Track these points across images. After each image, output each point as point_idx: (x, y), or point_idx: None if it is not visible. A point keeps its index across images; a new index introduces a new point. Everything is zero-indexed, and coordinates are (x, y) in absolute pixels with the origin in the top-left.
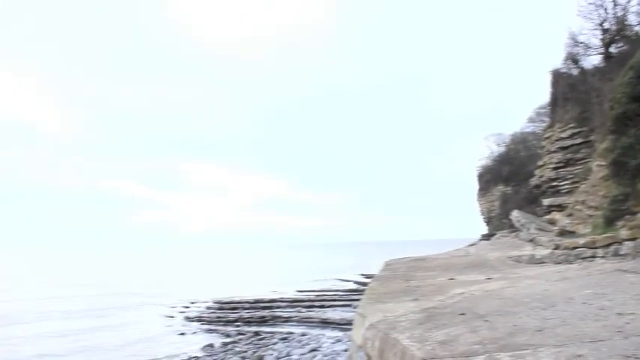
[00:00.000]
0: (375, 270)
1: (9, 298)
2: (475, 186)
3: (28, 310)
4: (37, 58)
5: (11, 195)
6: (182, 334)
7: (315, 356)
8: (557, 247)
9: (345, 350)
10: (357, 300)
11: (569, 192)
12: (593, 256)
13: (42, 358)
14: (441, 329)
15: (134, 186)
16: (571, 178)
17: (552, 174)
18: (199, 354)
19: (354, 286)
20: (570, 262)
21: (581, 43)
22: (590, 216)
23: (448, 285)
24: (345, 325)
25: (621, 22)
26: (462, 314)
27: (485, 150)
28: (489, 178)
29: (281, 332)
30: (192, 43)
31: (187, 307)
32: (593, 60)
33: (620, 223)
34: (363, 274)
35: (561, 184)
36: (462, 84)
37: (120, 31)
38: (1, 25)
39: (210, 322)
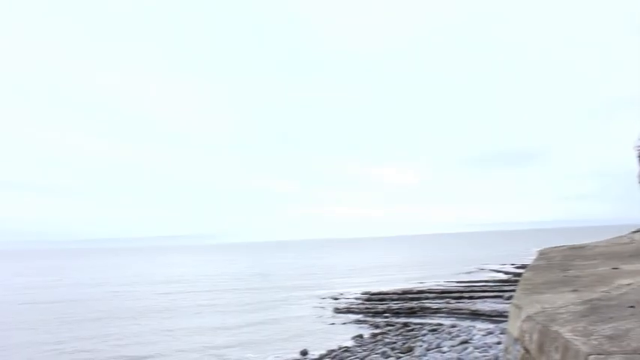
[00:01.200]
0: (526, 259)
1: (176, 291)
2: (635, 168)
3: (192, 303)
4: (198, 69)
5: (178, 195)
6: (332, 324)
7: (466, 348)
8: None
9: (498, 343)
10: (509, 291)
11: None
12: None
13: (200, 351)
14: (607, 323)
15: (284, 182)
16: None
17: None
18: (349, 344)
19: (504, 277)
20: None
21: None
22: None
23: (612, 275)
24: (496, 316)
25: None
26: (631, 307)
27: None
28: None
29: (430, 324)
30: (320, 44)
31: (336, 299)
32: None
33: None
34: (513, 264)
35: None
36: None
37: (273, 40)
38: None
39: (359, 313)
